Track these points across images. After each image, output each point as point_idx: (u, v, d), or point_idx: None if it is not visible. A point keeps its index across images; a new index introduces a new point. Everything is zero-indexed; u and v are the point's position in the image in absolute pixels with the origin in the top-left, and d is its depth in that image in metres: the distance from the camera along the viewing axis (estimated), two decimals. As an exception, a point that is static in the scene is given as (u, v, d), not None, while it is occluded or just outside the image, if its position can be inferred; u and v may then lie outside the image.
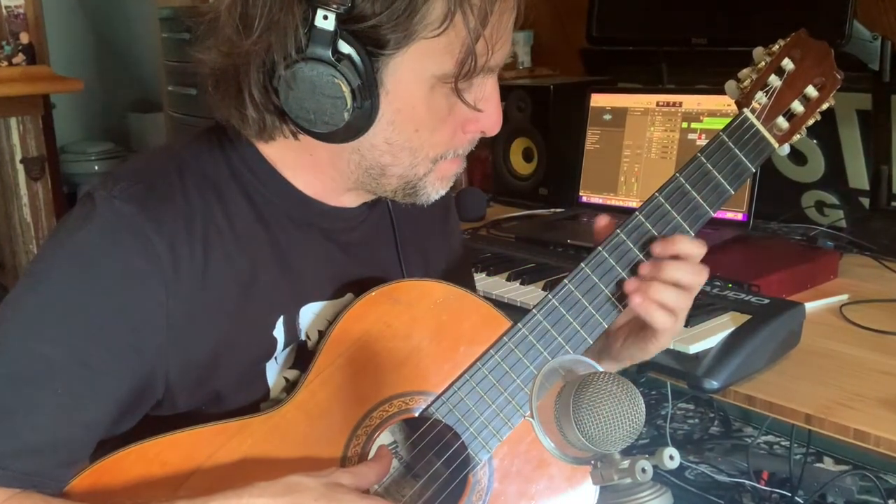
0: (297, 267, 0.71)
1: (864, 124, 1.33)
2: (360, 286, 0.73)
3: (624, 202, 1.40)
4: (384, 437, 0.73)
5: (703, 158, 0.74)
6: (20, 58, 2.32)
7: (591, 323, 0.73)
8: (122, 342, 0.63)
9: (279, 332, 0.71)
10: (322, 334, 0.72)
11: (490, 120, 0.68)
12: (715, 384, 0.87)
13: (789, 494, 1.33)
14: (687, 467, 1.44)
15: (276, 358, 0.72)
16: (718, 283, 1.06)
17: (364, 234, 0.77)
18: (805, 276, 1.15)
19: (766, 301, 0.98)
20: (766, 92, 0.75)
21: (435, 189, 0.70)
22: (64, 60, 3.11)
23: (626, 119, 1.41)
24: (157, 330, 0.64)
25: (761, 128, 0.75)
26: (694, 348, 0.91)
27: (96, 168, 3.54)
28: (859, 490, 1.31)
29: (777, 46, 0.76)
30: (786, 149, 0.78)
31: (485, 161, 1.68)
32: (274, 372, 0.72)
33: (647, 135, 1.38)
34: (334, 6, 0.59)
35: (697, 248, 0.71)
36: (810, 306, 1.01)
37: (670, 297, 0.70)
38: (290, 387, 0.72)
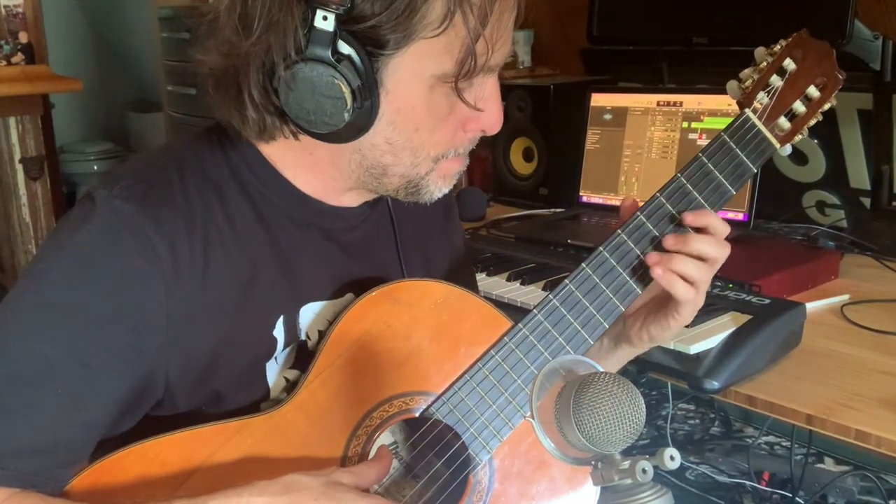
0: (297, 267, 0.71)
1: (865, 124, 1.33)
2: (361, 286, 0.73)
3: (624, 202, 1.40)
4: (384, 438, 0.72)
5: (704, 158, 0.74)
6: (19, 57, 2.31)
7: (592, 323, 0.73)
8: (122, 342, 0.63)
9: (279, 332, 0.71)
10: (322, 334, 0.72)
11: (491, 119, 0.68)
12: (716, 384, 0.87)
13: (790, 495, 1.33)
14: (687, 468, 1.44)
15: (276, 358, 0.72)
16: (719, 283, 1.06)
17: (364, 233, 0.77)
18: (806, 276, 1.14)
19: (767, 301, 0.98)
20: (768, 92, 0.75)
21: (437, 188, 0.70)
22: (63, 60, 3.10)
23: (626, 119, 1.41)
24: (157, 330, 0.64)
25: (763, 128, 0.75)
26: (694, 348, 0.90)
27: (95, 168, 3.53)
28: (860, 491, 1.30)
29: (779, 46, 0.76)
30: (787, 149, 0.78)
31: (485, 161, 1.68)
32: (274, 372, 0.72)
33: (648, 134, 1.38)
34: (334, 7, 0.59)
35: (723, 226, 0.72)
36: (811, 306, 1.01)
37: (692, 269, 0.71)
38: (291, 387, 0.72)
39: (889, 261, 1.23)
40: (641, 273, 0.73)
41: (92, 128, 3.87)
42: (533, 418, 0.53)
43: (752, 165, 0.75)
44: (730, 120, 0.76)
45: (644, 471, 0.49)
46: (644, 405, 0.51)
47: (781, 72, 0.75)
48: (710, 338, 0.92)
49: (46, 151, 2.37)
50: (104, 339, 0.63)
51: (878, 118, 1.30)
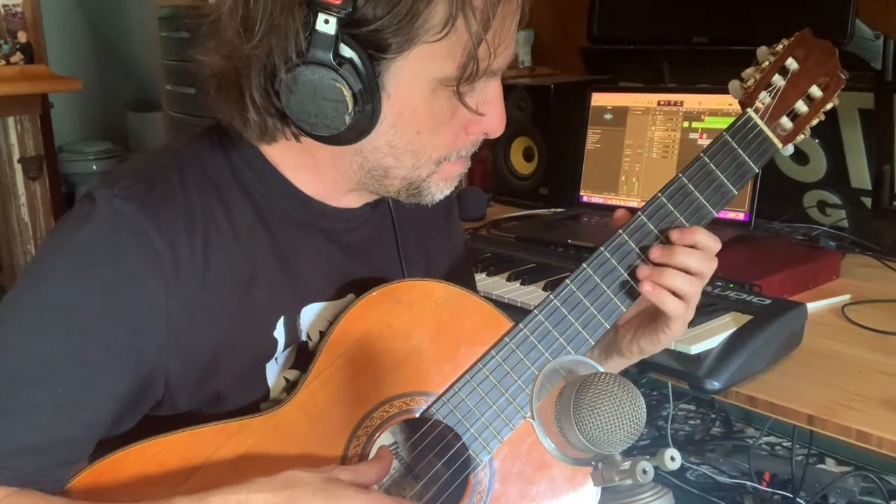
0: (298, 267, 0.71)
1: (866, 124, 1.33)
2: (362, 286, 0.73)
3: (625, 202, 1.39)
4: (385, 438, 0.72)
5: (706, 158, 0.74)
6: (18, 57, 2.31)
7: (593, 323, 0.73)
8: (122, 342, 0.63)
9: (279, 332, 0.70)
10: (323, 335, 0.72)
11: (493, 122, 0.68)
12: (716, 385, 0.87)
13: (791, 496, 1.32)
14: (688, 468, 1.44)
15: (276, 358, 0.71)
16: (720, 284, 1.06)
17: (365, 234, 0.76)
18: (807, 276, 1.14)
19: (768, 301, 0.98)
20: (770, 92, 0.75)
21: (439, 189, 0.70)
22: (62, 59, 3.10)
23: (627, 118, 1.40)
24: (156, 330, 0.64)
25: (765, 128, 0.75)
26: (695, 349, 0.90)
27: (94, 168, 3.53)
28: (861, 491, 1.30)
29: (781, 46, 0.76)
30: (789, 149, 0.77)
31: (485, 161, 1.67)
32: (274, 372, 0.72)
33: (649, 134, 1.37)
34: (335, 10, 0.58)
35: (713, 242, 0.72)
36: (812, 307, 1.01)
37: (681, 283, 0.70)
38: (291, 387, 0.71)
39: (890, 261, 1.23)
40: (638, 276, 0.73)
41: (91, 127, 3.87)
42: (533, 419, 0.53)
43: (753, 165, 0.75)
44: (731, 119, 0.76)
45: (644, 471, 0.48)
46: (644, 405, 0.51)
47: (784, 71, 0.75)
48: (711, 338, 0.91)
49: (45, 151, 2.37)
50: (104, 338, 0.63)
51: (880, 118, 1.30)
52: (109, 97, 3.87)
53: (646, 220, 0.73)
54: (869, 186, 1.35)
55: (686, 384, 0.90)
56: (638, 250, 0.73)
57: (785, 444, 1.45)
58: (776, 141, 0.76)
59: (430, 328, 0.73)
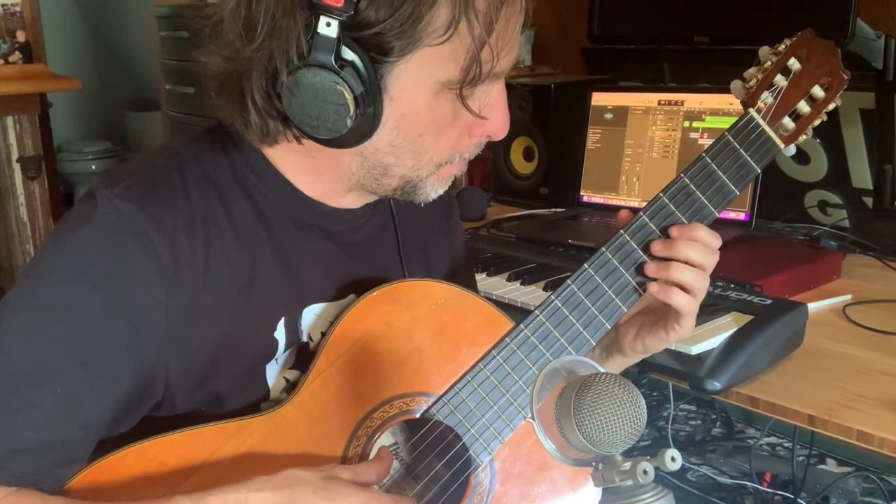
0: (299, 268, 0.71)
1: (867, 123, 1.33)
2: (362, 287, 0.73)
3: (625, 202, 1.39)
4: (385, 439, 0.72)
5: (707, 159, 0.74)
6: (17, 56, 2.30)
7: (594, 324, 0.73)
8: (122, 342, 0.63)
9: (280, 333, 0.70)
10: (323, 335, 0.72)
11: (497, 124, 0.68)
12: (717, 385, 0.87)
13: (792, 496, 1.32)
14: (689, 469, 1.44)
15: (276, 359, 0.71)
16: (721, 284, 1.05)
17: (366, 234, 0.76)
18: (808, 276, 1.14)
19: (769, 301, 0.97)
20: (772, 92, 0.75)
21: (434, 189, 0.70)
22: (61, 59, 3.10)
23: (627, 118, 1.40)
24: (156, 330, 0.64)
25: (767, 128, 0.75)
26: (696, 349, 0.90)
27: (93, 167, 3.52)
28: (862, 492, 1.30)
29: (783, 46, 0.76)
30: (791, 149, 0.77)
31: (485, 160, 1.67)
32: (274, 372, 0.71)
33: (649, 134, 1.37)
34: (337, 13, 0.58)
35: (713, 238, 0.72)
36: (813, 307, 1.01)
37: (688, 277, 0.70)
38: (291, 387, 0.71)
39: (891, 261, 1.23)
40: (644, 274, 0.73)
41: (90, 127, 3.87)
42: (534, 419, 0.53)
43: (755, 166, 0.75)
44: (731, 119, 0.76)
45: (645, 472, 0.48)
46: (645, 406, 0.50)
47: (786, 71, 0.75)
48: (712, 338, 0.91)
49: (44, 151, 2.36)
50: (104, 338, 0.63)
51: (881, 117, 1.29)
52: (108, 97, 3.87)
53: (647, 220, 0.73)
54: (870, 186, 1.35)
55: (687, 384, 0.90)
56: (640, 250, 0.73)
57: (786, 445, 1.45)
58: (778, 141, 0.76)
59: (431, 328, 0.72)
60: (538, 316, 0.72)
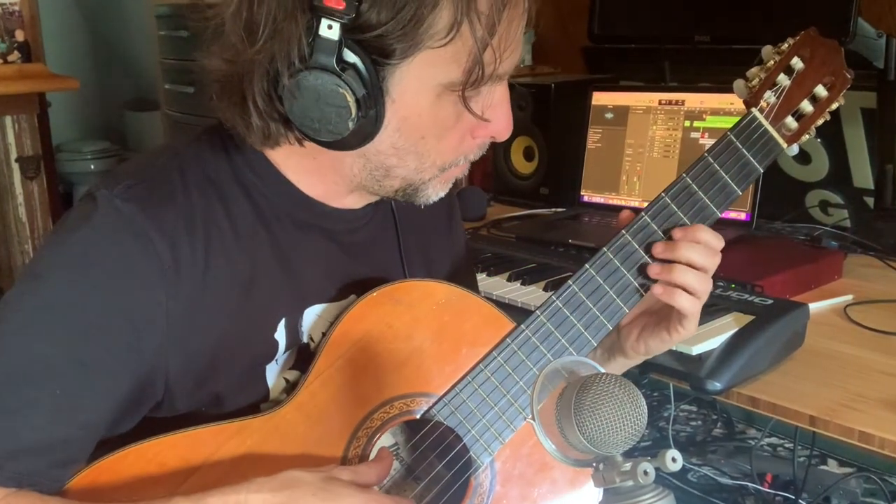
0: (299, 268, 0.71)
1: (868, 123, 1.33)
2: (363, 287, 0.72)
3: (626, 202, 1.39)
4: (385, 439, 0.72)
5: (710, 158, 0.74)
6: (15, 55, 2.30)
7: (595, 324, 0.72)
8: (122, 342, 0.63)
9: (280, 334, 0.70)
10: (324, 335, 0.72)
11: (499, 126, 0.68)
12: (718, 386, 0.87)
13: (793, 497, 1.32)
14: (689, 469, 1.44)
15: (276, 360, 0.71)
16: (721, 284, 1.05)
17: (367, 235, 0.76)
18: (809, 276, 1.14)
19: (770, 301, 0.97)
20: (775, 91, 0.74)
21: (435, 191, 0.70)
22: (60, 58, 3.09)
23: (628, 117, 1.40)
24: (156, 330, 0.64)
25: (770, 128, 0.75)
26: (697, 349, 0.90)
27: (92, 167, 3.52)
28: (864, 493, 1.30)
29: (786, 45, 0.76)
30: (794, 149, 0.77)
31: (485, 160, 1.67)
32: (274, 373, 0.71)
33: (650, 133, 1.37)
34: (339, 16, 0.58)
35: (716, 240, 0.72)
36: (814, 307, 1.01)
37: (692, 280, 0.70)
38: (291, 388, 0.71)
39: (893, 261, 1.22)
40: (646, 275, 0.72)
41: (89, 127, 3.86)
42: (534, 420, 0.53)
43: (758, 166, 0.75)
44: (732, 119, 0.76)
45: (646, 472, 0.48)
46: (646, 406, 0.50)
47: (789, 71, 0.75)
48: (713, 338, 0.91)
49: (43, 151, 2.35)
50: (103, 339, 0.62)
51: (882, 117, 1.29)
52: (107, 96, 3.86)
53: (649, 220, 0.73)
54: (871, 186, 1.35)
55: (687, 385, 0.90)
56: (641, 251, 0.72)
57: (787, 446, 1.45)
58: (781, 141, 0.75)
59: (432, 329, 0.72)
60: (539, 316, 0.72)
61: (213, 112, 0.68)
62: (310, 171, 0.70)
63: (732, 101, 1.25)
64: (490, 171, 1.70)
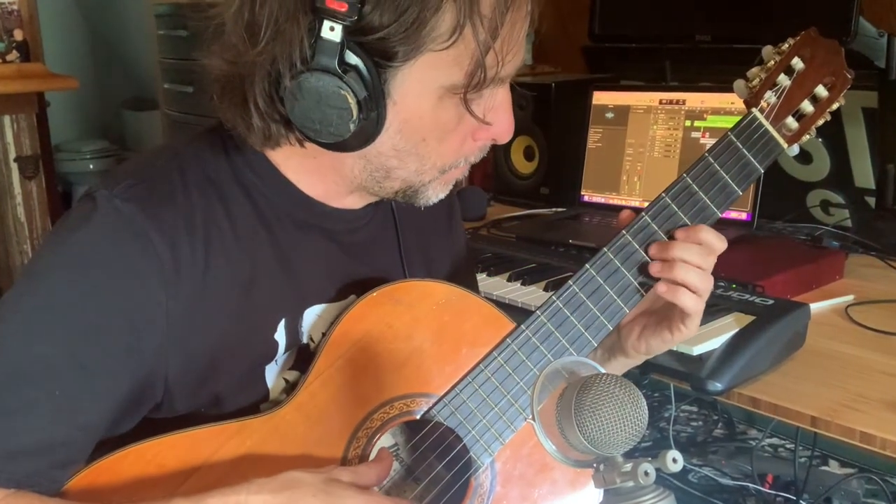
0: (299, 268, 0.71)
1: (870, 122, 1.32)
2: (363, 287, 0.72)
3: (626, 201, 1.39)
4: (385, 440, 0.72)
5: (710, 158, 0.74)
6: (14, 55, 2.29)
7: (595, 325, 0.72)
8: (121, 343, 0.63)
9: (280, 335, 0.70)
10: (323, 336, 0.71)
11: (501, 129, 0.68)
12: (719, 386, 0.86)
13: (794, 498, 1.32)
14: (690, 470, 1.44)
15: (276, 360, 0.71)
16: (722, 284, 1.05)
17: (367, 235, 0.76)
18: (810, 276, 1.14)
19: (771, 302, 0.97)
20: (776, 91, 0.74)
21: (436, 193, 0.70)
22: (58, 58, 3.08)
23: (628, 117, 1.40)
24: (156, 331, 0.64)
25: (770, 128, 0.75)
26: (697, 350, 0.90)
27: (91, 167, 3.51)
28: (865, 493, 1.30)
29: (787, 45, 0.76)
30: (795, 149, 0.77)
31: (485, 160, 1.65)
32: (273, 373, 0.71)
33: (650, 133, 1.37)
34: (341, 18, 0.58)
35: (718, 241, 0.71)
36: (815, 307, 1.01)
37: (693, 278, 0.70)
38: (290, 388, 0.71)
39: (894, 261, 1.22)
40: (646, 274, 0.72)
41: (88, 126, 3.85)
42: (534, 420, 0.52)
43: (758, 166, 0.75)
44: (733, 118, 0.76)
45: (646, 473, 0.48)
46: (646, 407, 0.50)
47: (789, 71, 0.75)
48: (714, 339, 0.91)
49: (42, 150, 2.35)
50: (103, 339, 0.62)
51: (884, 116, 1.29)
52: (106, 96, 3.85)
53: (650, 220, 0.73)
54: (873, 186, 1.34)
55: (688, 385, 0.90)
56: (642, 251, 0.72)
57: (788, 446, 1.45)
58: (781, 141, 0.75)
59: (432, 329, 0.72)
60: (539, 317, 0.72)
61: (212, 112, 0.68)
62: (310, 171, 0.70)
63: (733, 101, 1.25)
64: (490, 170, 1.69)
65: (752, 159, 0.74)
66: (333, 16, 0.58)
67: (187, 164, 0.68)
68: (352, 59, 0.59)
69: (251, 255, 0.68)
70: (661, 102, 1.36)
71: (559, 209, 1.52)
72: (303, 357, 0.72)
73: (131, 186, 0.65)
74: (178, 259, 0.64)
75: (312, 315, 0.72)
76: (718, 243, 0.72)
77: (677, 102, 1.34)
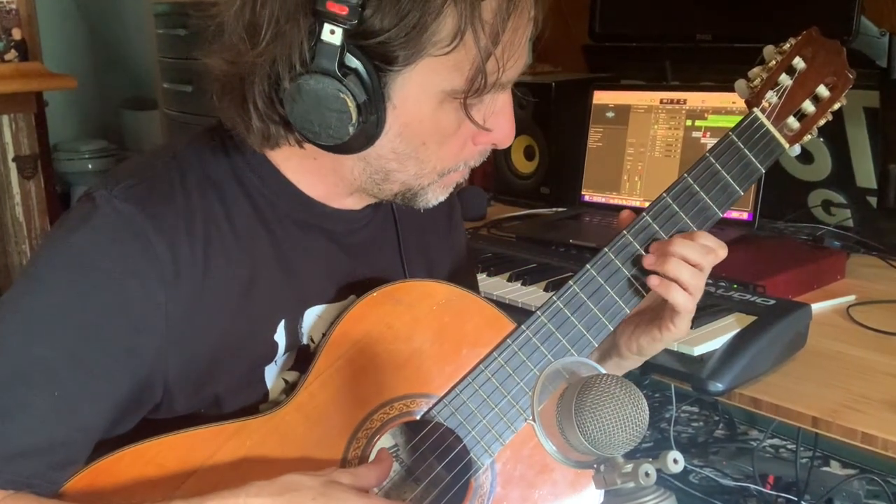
0: (299, 269, 0.71)
1: (871, 122, 1.32)
2: (363, 288, 0.72)
3: (627, 201, 1.38)
4: (385, 441, 0.72)
5: (711, 158, 0.74)
6: (12, 54, 2.29)
7: (596, 325, 0.72)
8: (120, 344, 0.63)
9: (280, 336, 0.70)
10: (323, 336, 0.71)
11: (501, 134, 0.67)
12: (720, 386, 0.86)
13: (795, 499, 1.32)
14: (691, 471, 1.44)
15: (275, 361, 0.71)
16: (723, 284, 1.05)
17: (367, 235, 0.76)
18: (811, 276, 1.13)
19: (772, 302, 0.97)
20: (777, 91, 0.74)
21: (435, 196, 0.70)
22: (57, 57, 3.08)
23: (629, 116, 1.39)
24: (155, 332, 0.63)
25: (771, 128, 0.74)
26: (698, 350, 0.90)
27: (90, 167, 3.51)
28: (866, 494, 1.29)
29: (788, 45, 0.75)
30: (796, 149, 0.77)
31: (485, 160, 1.66)
32: (273, 374, 0.71)
33: (651, 133, 1.36)
34: (342, 21, 0.58)
35: (720, 248, 0.71)
36: (817, 307, 1.01)
37: (685, 274, 0.70)
38: (290, 388, 0.71)
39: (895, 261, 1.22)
40: (647, 274, 0.72)
41: (86, 126, 3.85)
42: (535, 421, 0.52)
43: (760, 166, 0.74)
44: (734, 118, 0.76)
45: (647, 474, 0.48)
46: (647, 407, 0.50)
47: (791, 71, 0.75)
48: (714, 339, 0.91)
49: (40, 150, 2.35)
50: (102, 340, 0.62)
51: (885, 116, 1.29)
52: (105, 95, 3.85)
53: (650, 220, 0.72)
54: (874, 185, 1.34)
55: (689, 386, 0.90)
56: (642, 251, 0.72)
57: (789, 447, 1.45)
58: (783, 141, 0.75)
59: (432, 329, 0.72)
60: (540, 317, 0.72)
61: (212, 111, 0.68)
62: (310, 172, 0.70)
63: (734, 100, 1.24)
64: (490, 170, 1.69)
65: (753, 159, 0.74)
66: (334, 19, 0.57)
67: (187, 164, 0.68)
68: (352, 62, 0.59)
69: (251, 255, 0.68)
70: (661, 102, 1.35)
71: (559, 209, 1.52)
72: (302, 357, 0.71)
73: (131, 187, 0.64)
74: (178, 259, 0.64)
75: (312, 315, 0.72)
76: (720, 249, 0.71)
77: (678, 102, 1.33)
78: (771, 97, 0.74)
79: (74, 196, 3.45)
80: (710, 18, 1.40)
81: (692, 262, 0.70)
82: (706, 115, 1.30)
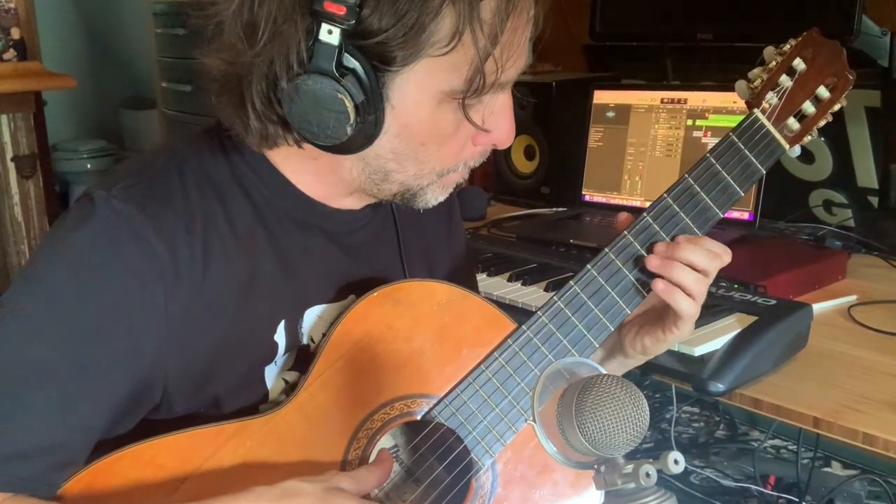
0: (299, 269, 0.71)
1: (872, 122, 1.32)
2: (363, 288, 0.72)
3: (627, 201, 1.38)
4: (385, 441, 0.72)
5: (712, 159, 0.74)
6: (11, 54, 2.29)
7: (598, 326, 0.72)
8: (120, 345, 0.62)
9: (280, 336, 0.70)
10: (323, 336, 0.71)
11: (501, 134, 0.67)
12: (720, 387, 0.86)
13: (796, 500, 1.32)
14: (692, 472, 1.44)
15: (275, 361, 0.71)
16: (724, 284, 1.05)
17: (367, 235, 0.76)
18: (812, 276, 1.13)
19: (773, 302, 0.97)
20: (777, 92, 0.74)
21: (434, 196, 0.70)
22: (56, 56, 3.07)
23: (629, 116, 1.39)
24: (155, 332, 0.63)
25: (772, 129, 0.74)
26: (699, 350, 0.89)
27: (89, 166, 3.50)
28: (868, 495, 1.30)
29: (788, 46, 0.75)
30: (797, 150, 0.77)
31: (486, 160, 1.66)
32: (273, 374, 0.71)
33: (652, 132, 1.36)
34: (339, 21, 0.57)
35: (725, 253, 0.72)
36: (818, 307, 1.00)
37: (689, 280, 0.70)
38: (290, 389, 0.71)
39: (896, 261, 1.22)
40: (648, 275, 0.72)
41: (85, 125, 3.85)
42: (535, 422, 0.52)
43: (760, 166, 0.75)
44: (735, 118, 0.75)
45: (648, 475, 0.48)
46: (647, 408, 0.50)
47: (791, 72, 0.75)
48: (715, 339, 0.91)
49: (39, 149, 2.34)
50: (101, 341, 0.62)
51: (886, 115, 1.29)
52: (104, 95, 3.85)
53: (651, 220, 0.72)
54: (875, 185, 1.34)
55: (690, 386, 0.89)
56: (643, 251, 0.72)
57: (790, 447, 1.45)
58: (783, 142, 0.75)
59: (432, 329, 0.72)
60: (541, 317, 0.72)
61: (210, 111, 0.68)
62: (309, 171, 0.70)
63: (735, 100, 1.24)
64: (490, 170, 1.69)
65: (753, 160, 0.74)
66: (332, 19, 0.57)
67: (186, 163, 0.68)
68: (350, 62, 0.59)
69: (250, 255, 0.68)
70: (662, 101, 1.35)
71: (560, 209, 1.52)
72: (303, 358, 0.71)
73: (129, 187, 0.64)
74: (177, 260, 0.63)
75: (312, 316, 0.71)
76: (725, 255, 0.71)
77: (679, 101, 1.33)
78: (771, 98, 0.74)
79: (73, 196, 3.45)
80: (711, 18, 1.40)
81: (698, 267, 0.70)
82: (707, 114, 1.30)
